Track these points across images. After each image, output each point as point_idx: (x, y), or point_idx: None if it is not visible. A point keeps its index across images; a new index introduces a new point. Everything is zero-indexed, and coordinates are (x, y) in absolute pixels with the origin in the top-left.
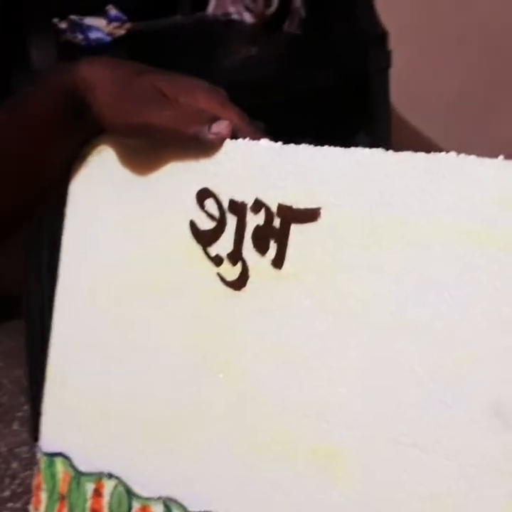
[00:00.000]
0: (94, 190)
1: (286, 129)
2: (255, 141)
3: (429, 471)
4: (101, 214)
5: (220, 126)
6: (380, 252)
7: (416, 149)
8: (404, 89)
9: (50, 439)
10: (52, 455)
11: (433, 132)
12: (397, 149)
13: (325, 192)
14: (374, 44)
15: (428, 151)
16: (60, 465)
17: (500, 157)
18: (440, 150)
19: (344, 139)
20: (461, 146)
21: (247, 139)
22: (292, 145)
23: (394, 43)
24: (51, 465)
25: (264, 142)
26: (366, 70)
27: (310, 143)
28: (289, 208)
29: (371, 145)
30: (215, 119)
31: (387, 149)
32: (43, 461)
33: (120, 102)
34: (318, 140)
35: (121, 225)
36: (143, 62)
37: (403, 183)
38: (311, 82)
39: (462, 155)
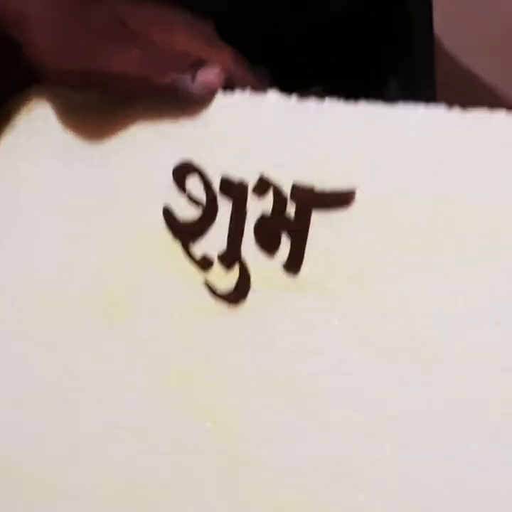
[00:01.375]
0: (23, 166)
1: (296, 76)
2: (258, 95)
3: None
4: (33, 199)
5: (209, 74)
6: (435, 253)
7: (473, 101)
8: (455, 16)
9: None
10: None
11: (497, 76)
12: (444, 99)
13: (360, 166)
14: None
15: (494, 105)
16: None
17: None
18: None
19: (369, 85)
20: None
21: (247, 90)
22: (313, 100)
23: None
24: None
25: (272, 96)
26: None
27: (325, 93)
28: (310, 190)
29: (407, 93)
30: (200, 63)
31: (430, 99)
32: None
33: (65, 39)
34: (335, 88)
35: (62, 214)
36: None
37: (464, 152)
38: (324, 10)
39: None
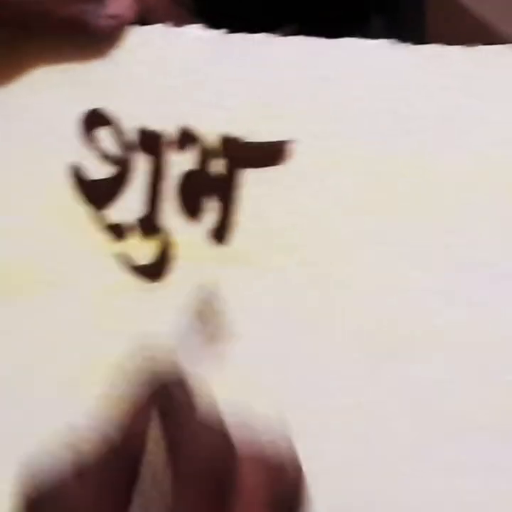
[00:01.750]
0: None
1: (259, 14)
2: (178, 29)
3: None
4: None
5: (121, 3)
6: (388, 217)
7: (464, 37)
8: None
9: None
10: None
11: (489, 10)
12: (434, 39)
13: (298, 114)
14: None
15: (486, 40)
16: None
17: None
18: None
19: (350, 24)
20: None
21: (165, 24)
22: (242, 34)
23: None
24: None
25: (194, 29)
26: None
27: (298, 32)
28: (238, 142)
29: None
30: None
31: (418, 37)
32: None
33: None
34: (310, 28)
35: None
36: None
37: (428, 95)
38: None
39: None
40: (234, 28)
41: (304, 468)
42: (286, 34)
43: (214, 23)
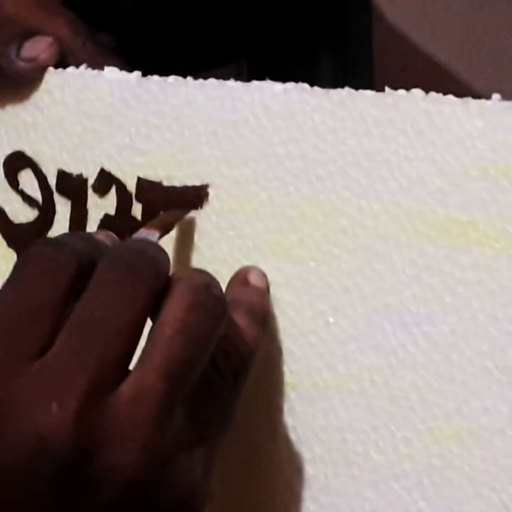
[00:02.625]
0: None
1: (199, 52)
2: (97, 71)
3: None
4: None
5: (38, 46)
6: (307, 260)
7: (412, 81)
8: None
9: None
10: None
11: (443, 51)
12: (383, 79)
13: (216, 158)
14: None
15: (436, 85)
16: None
17: (496, 97)
18: (456, 81)
19: (296, 65)
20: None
21: (85, 65)
22: (157, 77)
23: None
24: None
25: (111, 72)
26: None
27: (249, 68)
28: (157, 186)
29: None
30: (28, 33)
31: (367, 79)
32: None
33: None
34: (253, 69)
35: None
36: None
37: (342, 142)
38: None
39: (433, 95)
40: (173, 64)
41: None
42: (230, 71)
43: (148, 61)
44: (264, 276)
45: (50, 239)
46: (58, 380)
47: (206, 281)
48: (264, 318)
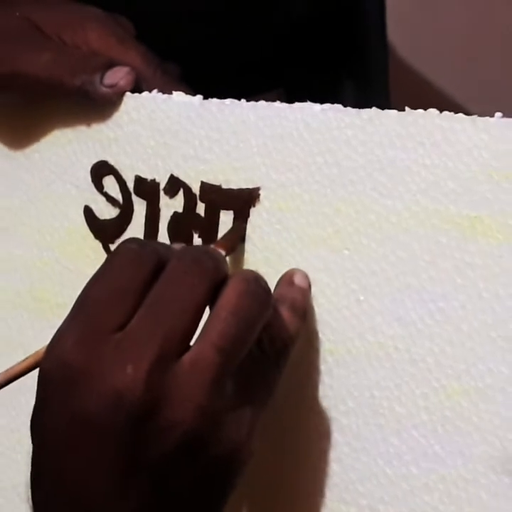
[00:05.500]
0: None
1: (247, 80)
2: (166, 95)
3: None
4: None
5: (117, 75)
6: (342, 249)
7: (420, 104)
8: (405, 22)
9: None
10: None
11: (448, 81)
12: (397, 104)
13: (266, 165)
14: None
15: (438, 106)
16: None
17: (498, 114)
18: (458, 106)
19: (325, 91)
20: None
21: (156, 90)
22: (216, 100)
23: None
24: None
25: (178, 96)
26: None
27: (279, 97)
28: (217, 189)
29: (361, 98)
30: (110, 64)
31: (384, 102)
32: None
33: None
34: (289, 94)
35: None
36: None
37: (370, 152)
38: (279, 14)
39: (446, 114)
40: (225, 90)
41: None
42: (272, 96)
43: (205, 86)
44: (306, 277)
45: (137, 238)
46: (134, 348)
47: (255, 276)
48: (304, 313)
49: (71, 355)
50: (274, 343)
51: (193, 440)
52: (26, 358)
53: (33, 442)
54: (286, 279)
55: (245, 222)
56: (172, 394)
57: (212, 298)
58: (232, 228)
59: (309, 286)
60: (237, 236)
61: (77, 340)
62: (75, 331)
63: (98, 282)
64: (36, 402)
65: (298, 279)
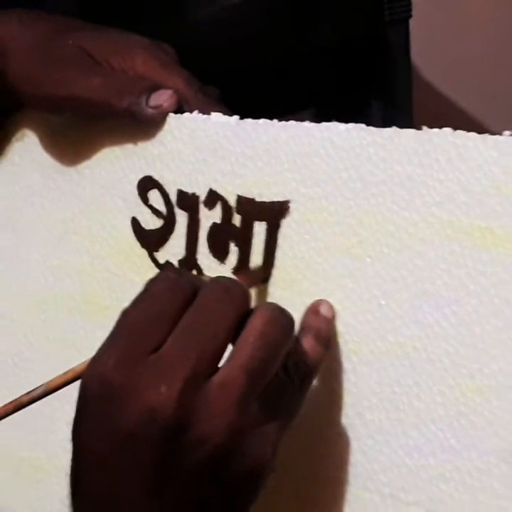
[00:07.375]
0: (17, 182)
1: (281, 101)
2: (205, 115)
3: None
4: (22, 211)
5: (161, 97)
6: (365, 257)
7: (443, 123)
8: (428, 46)
9: None
10: None
11: (468, 101)
12: (421, 122)
13: (295, 180)
14: None
15: (461, 126)
16: None
17: (507, 133)
18: (477, 124)
19: (354, 111)
20: (500, 117)
21: (196, 111)
22: (251, 120)
23: None
24: None
25: (216, 116)
26: (380, 23)
27: (312, 118)
28: (251, 201)
29: (388, 117)
30: (154, 87)
31: (408, 121)
32: None
33: (39, 68)
34: (321, 114)
35: (47, 224)
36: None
37: (390, 168)
38: (310, 41)
39: (459, 132)
40: (263, 110)
41: None
42: (305, 116)
43: (239, 107)
44: (331, 308)
45: (175, 267)
46: (167, 369)
47: (279, 307)
48: (328, 341)
49: (111, 373)
50: (299, 368)
51: (221, 454)
52: (66, 372)
53: (72, 452)
54: (312, 309)
55: (276, 232)
56: (202, 411)
57: (239, 325)
58: (257, 267)
59: (334, 315)
60: (260, 275)
61: (118, 360)
62: (115, 351)
63: (138, 306)
64: (76, 414)
65: (323, 310)
